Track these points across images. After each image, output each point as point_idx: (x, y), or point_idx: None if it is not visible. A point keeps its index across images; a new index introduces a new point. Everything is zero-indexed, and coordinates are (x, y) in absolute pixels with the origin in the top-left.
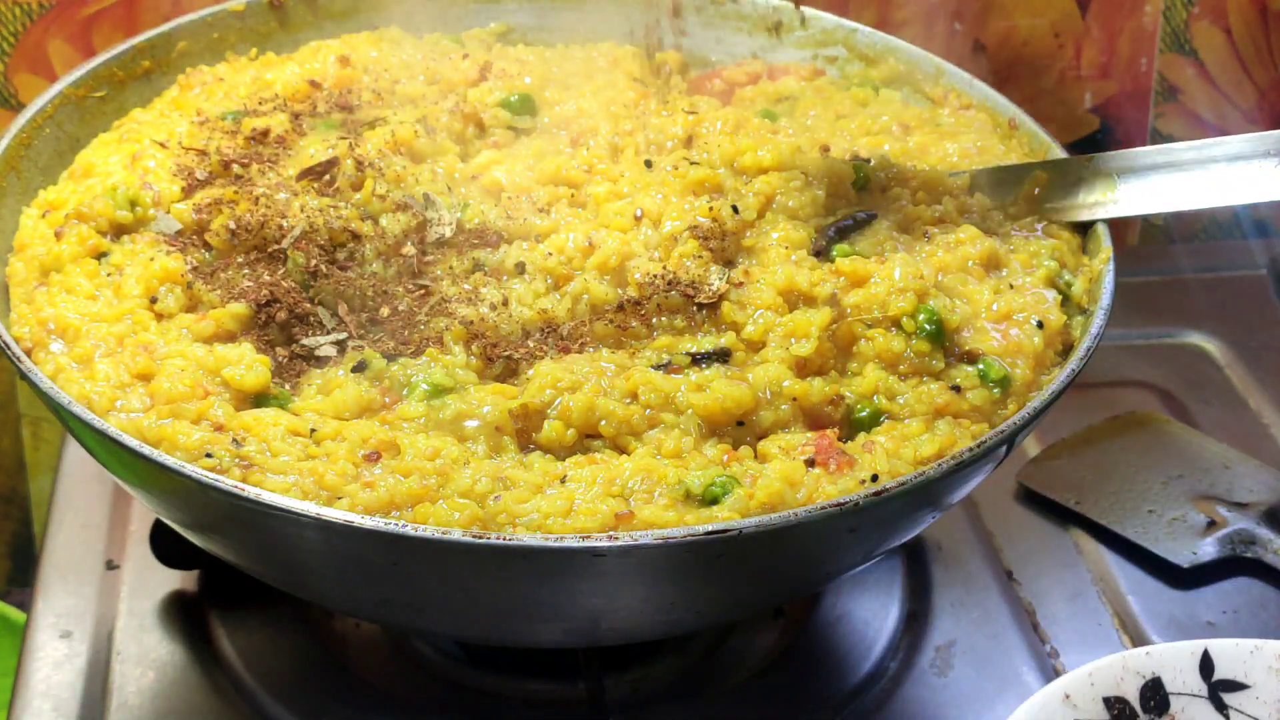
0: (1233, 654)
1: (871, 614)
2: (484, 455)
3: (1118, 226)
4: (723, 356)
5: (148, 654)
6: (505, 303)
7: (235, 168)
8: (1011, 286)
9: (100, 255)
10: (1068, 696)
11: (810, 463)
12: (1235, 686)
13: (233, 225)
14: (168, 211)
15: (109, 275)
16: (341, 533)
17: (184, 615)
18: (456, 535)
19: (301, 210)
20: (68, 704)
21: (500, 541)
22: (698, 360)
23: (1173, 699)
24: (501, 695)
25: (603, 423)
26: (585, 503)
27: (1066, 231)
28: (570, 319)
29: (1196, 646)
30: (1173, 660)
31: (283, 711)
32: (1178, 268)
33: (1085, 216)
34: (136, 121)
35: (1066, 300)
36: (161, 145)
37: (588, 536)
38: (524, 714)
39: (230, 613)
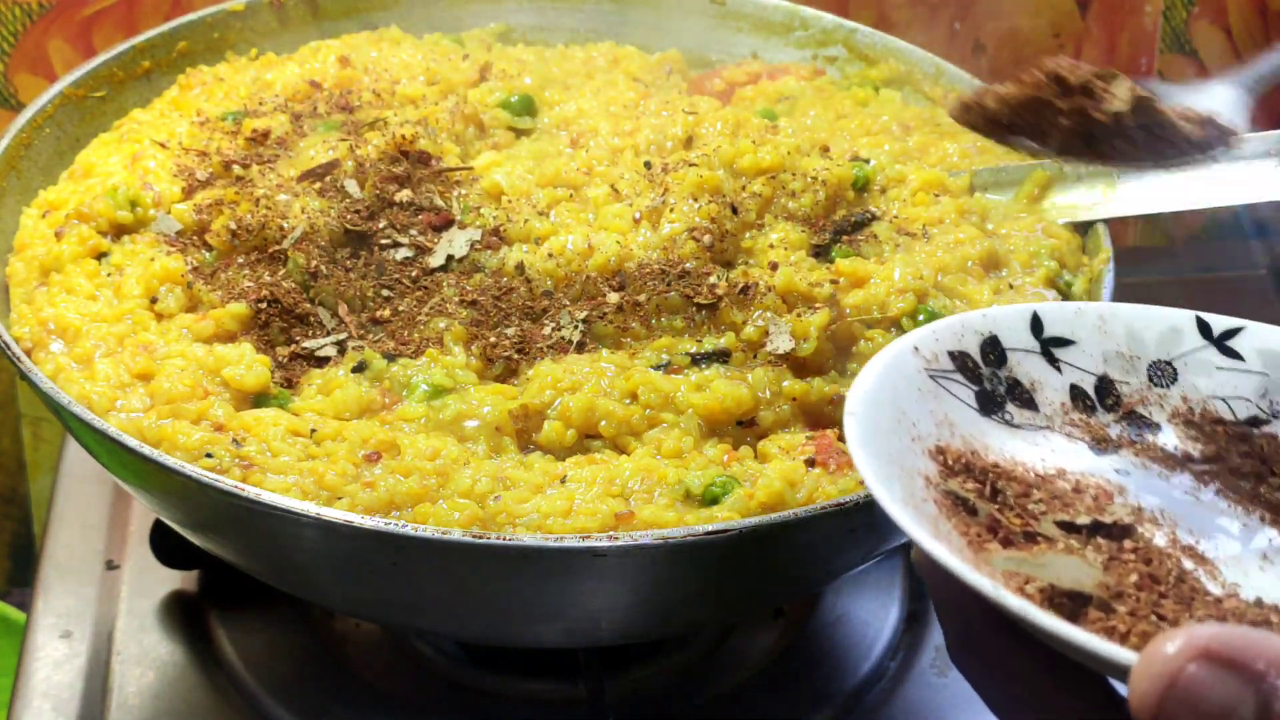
0: (1059, 314)
1: (871, 614)
2: (484, 455)
3: (1118, 226)
4: (722, 356)
5: (148, 654)
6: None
7: (236, 168)
8: (1011, 286)
9: (100, 255)
10: (916, 349)
11: (810, 463)
12: (1063, 343)
13: (233, 226)
14: (168, 212)
15: (109, 275)
16: (341, 533)
17: (184, 615)
18: (456, 535)
19: (302, 211)
20: (68, 704)
21: (500, 541)
22: (697, 360)
23: (1009, 354)
24: (501, 695)
25: (603, 423)
26: (585, 503)
27: (1066, 231)
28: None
29: (1026, 310)
30: (1007, 321)
31: (283, 711)
32: (1178, 268)
33: (1085, 216)
34: (136, 121)
35: (1066, 300)
36: (162, 145)
37: (588, 536)
38: (524, 714)
39: (230, 613)
